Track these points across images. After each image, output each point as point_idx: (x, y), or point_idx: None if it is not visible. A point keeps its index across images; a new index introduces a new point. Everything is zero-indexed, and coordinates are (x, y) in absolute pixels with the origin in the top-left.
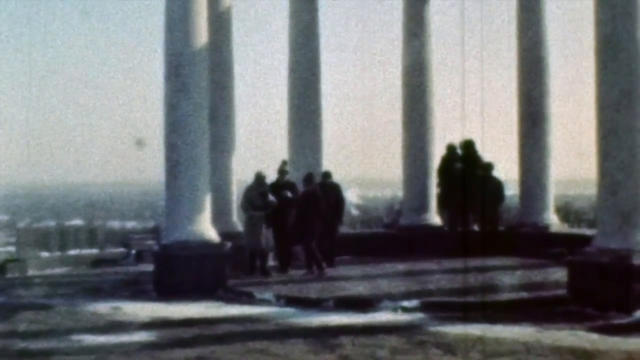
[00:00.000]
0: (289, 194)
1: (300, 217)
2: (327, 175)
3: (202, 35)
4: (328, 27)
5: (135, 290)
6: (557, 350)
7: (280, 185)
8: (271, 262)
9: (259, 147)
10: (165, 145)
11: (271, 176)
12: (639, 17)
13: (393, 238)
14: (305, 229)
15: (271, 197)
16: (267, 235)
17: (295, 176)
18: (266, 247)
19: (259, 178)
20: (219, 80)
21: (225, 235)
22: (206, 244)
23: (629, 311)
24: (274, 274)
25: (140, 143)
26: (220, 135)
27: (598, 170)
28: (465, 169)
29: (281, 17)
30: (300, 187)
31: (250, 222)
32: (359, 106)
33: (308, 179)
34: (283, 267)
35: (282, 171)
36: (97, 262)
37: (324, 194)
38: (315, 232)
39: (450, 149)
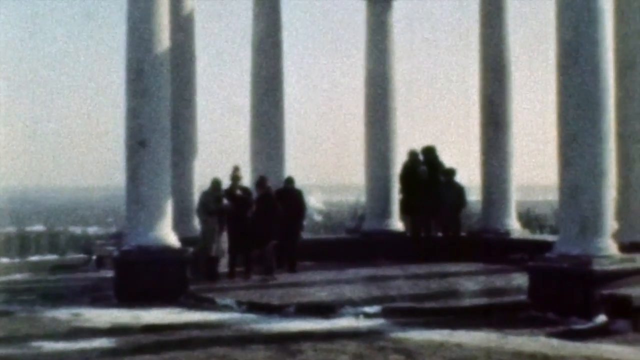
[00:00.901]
0: (226, 202)
1: (255, 221)
2: (289, 181)
3: (163, 39)
4: (292, 33)
5: (95, 296)
6: (518, 355)
7: (234, 190)
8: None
9: (222, 152)
10: (126, 150)
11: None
12: (600, 23)
13: (356, 243)
14: (262, 233)
15: (225, 202)
16: (220, 240)
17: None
18: (217, 252)
19: (215, 184)
20: (180, 84)
21: (186, 240)
22: (167, 250)
23: (589, 316)
24: (225, 280)
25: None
26: (182, 140)
27: (559, 177)
28: (428, 175)
29: (244, 23)
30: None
31: (204, 227)
32: (322, 111)
33: (260, 182)
34: (232, 273)
35: (235, 177)
36: (58, 268)
37: (287, 200)
38: (271, 235)
39: (412, 155)
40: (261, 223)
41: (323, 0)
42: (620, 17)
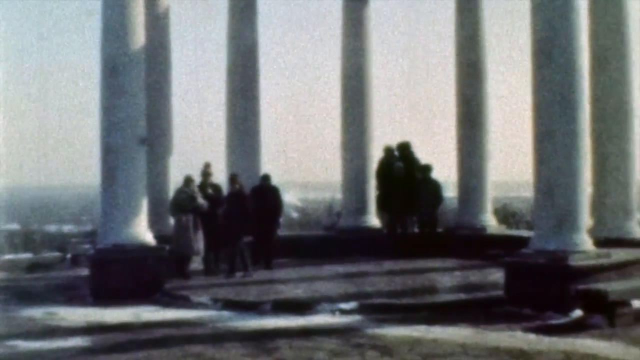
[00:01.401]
0: (201, 201)
1: (226, 219)
2: (265, 178)
3: (139, 37)
4: (268, 30)
5: (71, 295)
6: (495, 351)
7: (205, 187)
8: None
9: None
10: (101, 148)
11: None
12: (574, 21)
13: (332, 240)
14: (233, 231)
15: (200, 201)
16: (196, 238)
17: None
18: (189, 249)
19: (188, 181)
20: (156, 82)
21: (161, 238)
22: (142, 248)
23: (565, 311)
24: (201, 278)
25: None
26: (157, 137)
27: (534, 173)
28: (403, 171)
29: (220, 20)
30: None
31: (178, 225)
32: (298, 108)
33: (232, 179)
34: (208, 270)
35: (205, 174)
36: (33, 266)
37: (263, 197)
38: (243, 232)
39: (388, 151)
40: (232, 220)
41: None
42: (594, 15)
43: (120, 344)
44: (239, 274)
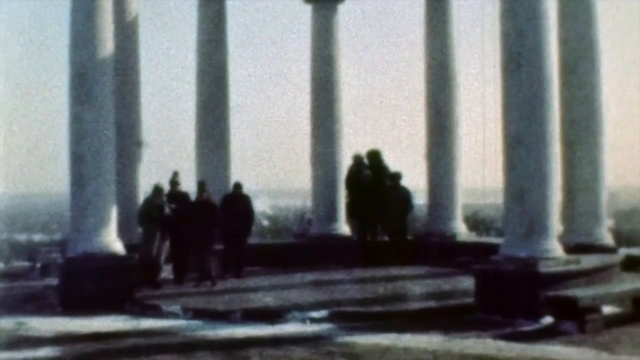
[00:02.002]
0: (168, 210)
1: (193, 228)
2: (237, 186)
3: (107, 44)
4: (237, 37)
5: (40, 304)
6: (465, 358)
7: (173, 196)
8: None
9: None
10: (70, 156)
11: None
12: (544, 27)
13: (302, 248)
14: (200, 239)
15: (167, 210)
16: (161, 248)
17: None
18: (155, 259)
19: (157, 190)
20: (125, 89)
21: (131, 247)
22: (112, 257)
23: (536, 318)
24: (171, 287)
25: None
26: (127, 145)
27: (504, 180)
28: (373, 179)
29: (189, 27)
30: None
31: (145, 234)
32: (268, 115)
33: (200, 187)
34: (178, 279)
35: (174, 182)
36: (2, 276)
37: (235, 205)
38: (210, 241)
39: (357, 159)
40: (199, 229)
41: (269, 4)
42: (563, 21)
43: (89, 354)
44: (206, 283)
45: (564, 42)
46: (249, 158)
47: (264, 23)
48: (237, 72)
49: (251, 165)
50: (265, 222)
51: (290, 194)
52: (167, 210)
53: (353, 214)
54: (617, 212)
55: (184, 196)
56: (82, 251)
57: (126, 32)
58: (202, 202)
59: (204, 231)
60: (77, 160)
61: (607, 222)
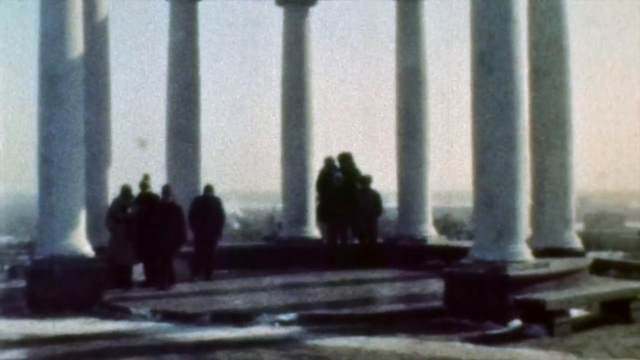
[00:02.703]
0: (130, 210)
1: (156, 229)
2: (209, 189)
3: (77, 46)
4: (209, 40)
5: (7, 307)
6: None
7: (143, 198)
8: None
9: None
10: (39, 158)
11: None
12: (514, 32)
13: (272, 251)
14: (162, 242)
15: (129, 210)
16: (127, 248)
17: (176, 189)
18: (122, 259)
19: (125, 191)
20: (95, 91)
21: (100, 249)
22: (80, 259)
23: (504, 321)
24: (141, 289)
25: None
26: (96, 148)
27: (474, 183)
28: (344, 182)
29: (161, 30)
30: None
31: (112, 235)
32: (239, 118)
33: (165, 190)
34: (148, 281)
35: (143, 185)
36: None
37: (206, 208)
38: (172, 244)
39: (328, 161)
40: (161, 232)
41: (240, 6)
42: (533, 26)
43: (57, 356)
44: (176, 285)
45: (534, 46)
46: (221, 160)
47: (235, 24)
48: (209, 73)
49: (222, 167)
50: (236, 225)
51: (261, 197)
52: (129, 210)
53: (323, 217)
54: (587, 215)
55: (154, 198)
56: (50, 253)
57: (96, 33)
58: (166, 205)
59: (165, 234)
60: (46, 162)
61: (577, 226)
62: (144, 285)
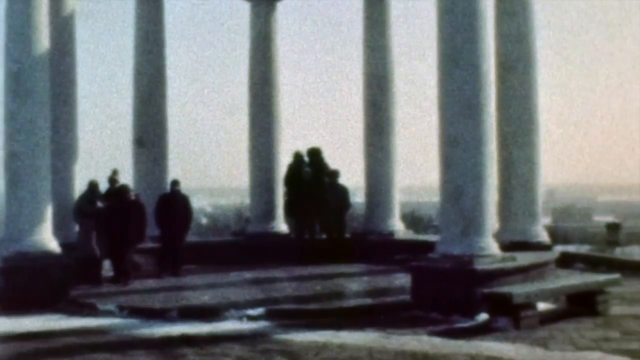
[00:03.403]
0: (99, 204)
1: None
2: (175, 183)
3: (43, 40)
4: (176, 34)
5: None
6: (400, 354)
7: (112, 193)
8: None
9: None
10: (5, 154)
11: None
12: (480, 27)
13: (240, 246)
14: (121, 237)
15: (99, 204)
16: (96, 242)
17: (143, 185)
18: (91, 253)
19: (92, 186)
20: (61, 87)
21: (67, 245)
22: (47, 255)
23: (471, 315)
24: (109, 285)
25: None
26: (63, 143)
27: (440, 178)
28: (312, 177)
29: (127, 22)
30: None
31: (81, 230)
32: (208, 113)
33: (121, 190)
34: (116, 276)
35: (112, 180)
36: None
37: (173, 204)
38: (132, 241)
39: (297, 156)
40: (121, 228)
41: (208, 0)
42: (500, 22)
43: (23, 354)
44: (133, 281)
45: (501, 41)
46: (189, 156)
47: (202, 21)
48: (176, 68)
49: (191, 163)
50: (204, 220)
51: (230, 192)
52: (99, 204)
53: (291, 212)
54: (555, 209)
55: (122, 193)
56: (17, 250)
57: (62, 29)
58: (130, 201)
59: (126, 230)
60: (12, 158)
61: (545, 220)
62: (112, 280)
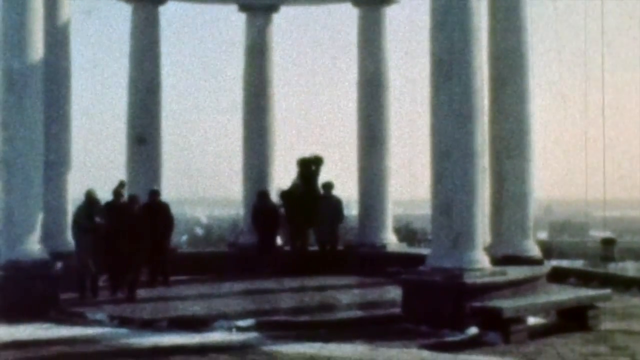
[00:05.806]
0: (98, 220)
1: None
2: (154, 193)
3: (37, 50)
4: (171, 44)
5: None
6: None
7: (116, 206)
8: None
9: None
10: None
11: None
12: (473, 41)
13: (233, 257)
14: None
15: (97, 219)
16: (91, 256)
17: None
18: (88, 269)
19: (89, 197)
20: (55, 96)
21: (57, 254)
22: (37, 264)
23: (461, 328)
24: (104, 295)
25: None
26: (55, 153)
27: (432, 191)
28: (305, 188)
29: (122, 35)
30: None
31: (78, 243)
32: (205, 123)
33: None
34: (113, 288)
35: (117, 193)
36: None
37: (155, 213)
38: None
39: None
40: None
41: (202, 11)
42: (493, 35)
43: None
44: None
45: (494, 56)
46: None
47: (198, 31)
48: (171, 78)
49: (187, 174)
50: (200, 231)
51: (227, 203)
52: (97, 220)
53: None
54: (552, 223)
55: (123, 207)
56: (6, 259)
57: (57, 38)
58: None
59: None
60: (4, 166)
61: (542, 234)
62: (110, 293)
